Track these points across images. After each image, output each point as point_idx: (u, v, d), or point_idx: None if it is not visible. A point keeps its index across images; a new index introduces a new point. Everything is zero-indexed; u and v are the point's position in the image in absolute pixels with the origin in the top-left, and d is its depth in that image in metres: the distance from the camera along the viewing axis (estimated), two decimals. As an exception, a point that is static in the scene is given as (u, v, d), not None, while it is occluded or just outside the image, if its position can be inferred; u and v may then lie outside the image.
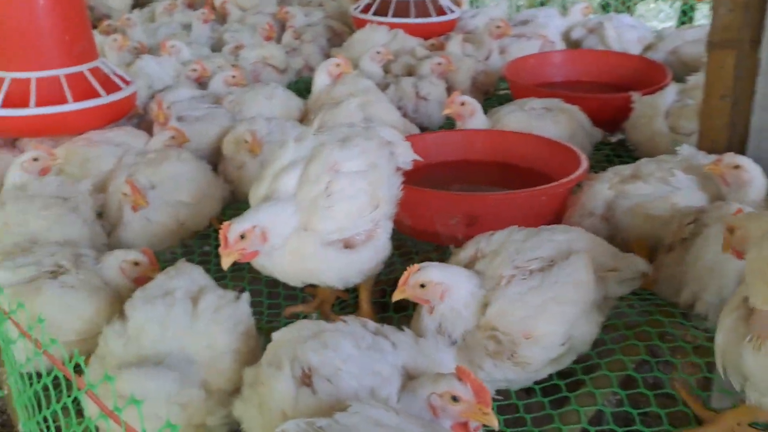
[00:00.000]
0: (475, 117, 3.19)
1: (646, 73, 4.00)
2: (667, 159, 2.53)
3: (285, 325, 1.85)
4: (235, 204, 3.04)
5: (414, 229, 2.57)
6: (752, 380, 1.52)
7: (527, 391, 1.84)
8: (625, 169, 2.53)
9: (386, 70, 4.44)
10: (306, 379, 1.53)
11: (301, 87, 4.57)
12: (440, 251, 2.61)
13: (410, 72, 4.38)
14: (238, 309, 1.89)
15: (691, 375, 1.88)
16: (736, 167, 2.26)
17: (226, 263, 1.85)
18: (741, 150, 2.60)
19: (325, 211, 1.93)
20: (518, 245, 1.92)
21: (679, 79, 3.73)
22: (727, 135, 2.61)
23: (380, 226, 2.07)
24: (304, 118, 3.74)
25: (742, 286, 1.57)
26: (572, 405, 1.75)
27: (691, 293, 2.02)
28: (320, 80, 3.73)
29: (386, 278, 2.38)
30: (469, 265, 1.96)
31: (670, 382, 1.83)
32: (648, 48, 4.76)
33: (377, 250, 2.07)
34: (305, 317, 2.28)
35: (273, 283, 2.31)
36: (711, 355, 1.84)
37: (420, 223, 2.52)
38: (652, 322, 2.06)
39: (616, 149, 3.55)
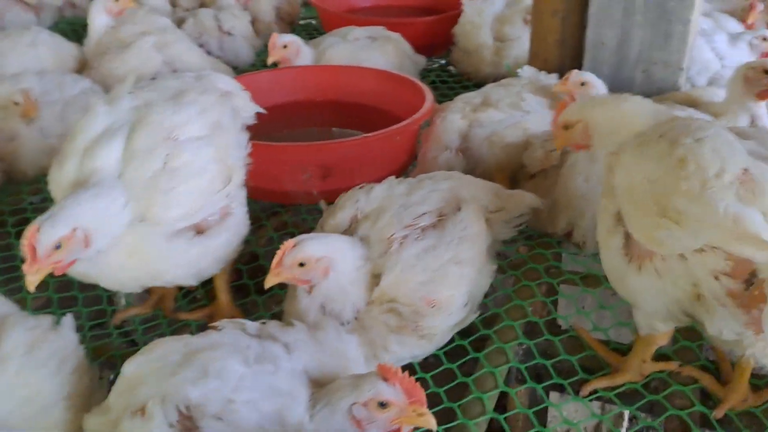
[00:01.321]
0: (300, 55, 2.86)
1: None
2: (512, 83, 2.42)
3: (117, 337, 1.46)
4: (12, 188, 2.46)
5: (259, 190, 2.23)
6: (638, 303, 1.48)
7: (433, 360, 1.66)
8: (475, 97, 2.39)
9: (173, 3, 3.88)
10: (187, 423, 1.19)
11: (66, 29, 3.84)
12: (292, 212, 2.31)
13: (203, 3, 3.87)
14: (61, 340, 1.44)
15: (590, 310, 1.83)
16: (583, 84, 2.21)
17: (33, 283, 1.38)
18: (574, 67, 2.58)
19: (168, 195, 1.52)
20: (403, 200, 1.69)
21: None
22: (559, 52, 2.58)
23: (235, 198, 1.72)
24: (82, 69, 3.12)
25: (606, 199, 1.49)
26: (486, 367, 1.60)
27: (567, 222, 1.96)
28: (98, 20, 3.09)
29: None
30: (349, 230, 1.69)
31: (571, 324, 1.76)
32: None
33: (236, 229, 1.72)
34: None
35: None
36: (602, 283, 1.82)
37: (266, 183, 2.19)
38: (536, 257, 1.97)
39: (439, 75, 3.43)
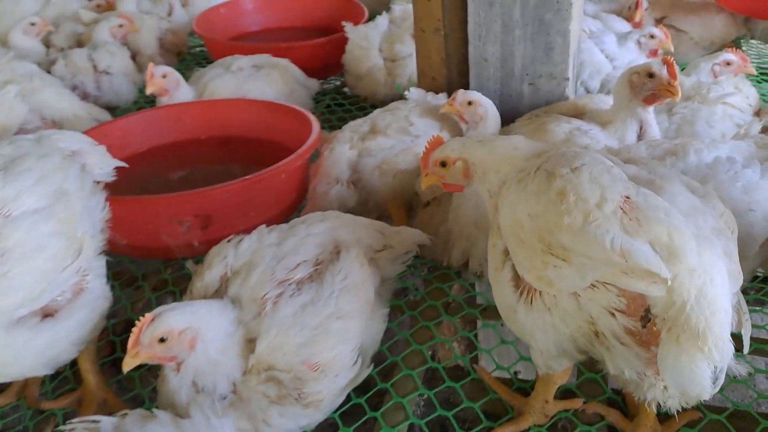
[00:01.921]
0: (180, 88, 2.69)
1: (342, 13, 3.80)
2: (399, 106, 2.32)
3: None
4: None
5: (135, 248, 2.05)
6: (531, 341, 1.38)
7: (327, 425, 1.52)
8: (362, 124, 2.27)
9: (47, 43, 3.63)
10: None
11: None
12: (173, 268, 2.13)
13: (80, 42, 3.63)
14: None
15: (492, 346, 1.73)
16: (470, 103, 2.13)
17: None
18: (462, 84, 2.51)
19: (1, 280, 1.33)
20: (274, 251, 1.55)
21: (372, 16, 3.62)
22: (446, 70, 2.49)
23: (90, 271, 1.53)
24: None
25: (493, 237, 1.41)
26: (383, 428, 1.47)
27: (461, 252, 1.86)
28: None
29: (114, 323, 1.86)
30: (219, 291, 1.54)
31: (474, 367, 1.65)
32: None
33: (93, 305, 1.53)
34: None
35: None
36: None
37: (141, 239, 2.01)
38: (434, 293, 1.85)
39: (335, 98, 3.31)
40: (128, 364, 1.34)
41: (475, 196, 1.83)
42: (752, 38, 3.32)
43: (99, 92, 3.20)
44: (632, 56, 2.80)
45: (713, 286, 1.12)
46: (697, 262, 1.12)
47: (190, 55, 3.98)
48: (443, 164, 1.53)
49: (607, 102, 2.12)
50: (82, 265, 1.47)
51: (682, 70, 3.15)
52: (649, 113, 1.95)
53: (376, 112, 2.35)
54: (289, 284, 1.48)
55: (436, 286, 1.87)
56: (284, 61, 3.05)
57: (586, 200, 1.18)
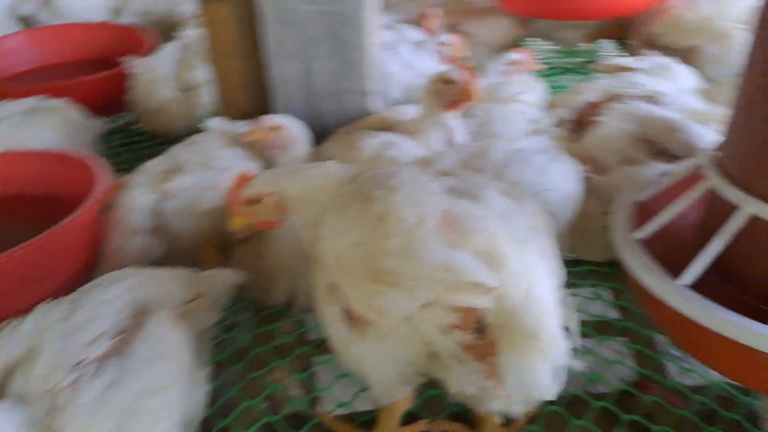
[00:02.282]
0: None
1: (125, 43, 3.52)
2: (199, 139, 2.13)
3: None
4: None
5: None
6: (369, 373, 1.31)
7: None
8: (159, 164, 2.05)
9: None
10: None
11: None
12: None
13: None
14: None
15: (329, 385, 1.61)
16: (276, 128, 2.02)
17: None
18: (265, 108, 2.39)
19: None
20: (63, 327, 1.31)
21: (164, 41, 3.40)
22: (247, 94, 2.36)
23: None
24: None
25: (316, 273, 1.31)
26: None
27: (286, 289, 1.73)
28: None
29: None
30: (2, 392, 1.27)
31: (312, 413, 1.52)
32: (116, 12, 4.30)
33: None
34: None
35: None
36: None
37: None
38: (262, 337, 1.70)
39: (128, 134, 3.03)
40: None
41: (294, 227, 1.72)
42: (533, 37, 3.54)
43: None
44: (430, 64, 2.84)
45: (537, 286, 1.13)
46: (519, 265, 1.12)
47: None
48: (253, 201, 1.40)
49: (410, 113, 2.11)
50: None
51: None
52: (453, 119, 1.96)
53: (174, 149, 2.14)
54: (87, 364, 1.26)
55: (263, 330, 1.72)
56: (61, 103, 2.73)
57: (405, 219, 1.12)
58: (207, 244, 1.97)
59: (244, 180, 1.45)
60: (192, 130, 2.85)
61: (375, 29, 2.12)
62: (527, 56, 2.48)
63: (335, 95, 2.20)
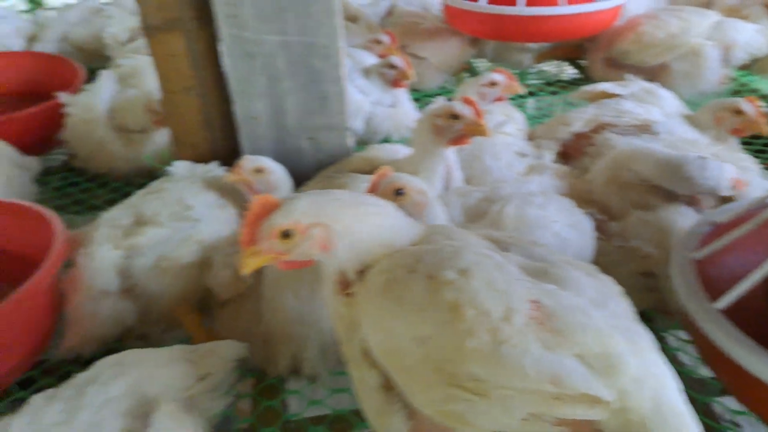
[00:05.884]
0: None
1: (53, 74, 3.24)
2: (164, 186, 1.93)
3: None
4: None
5: None
6: None
7: None
8: (122, 217, 1.85)
9: None
10: None
11: None
12: None
13: None
14: None
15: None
16: (259, 171, 1.86)
17: None
18: (230, 147, 2.23)
19: None
20: (64, 434, 1.13)
21: (90, 69, 3.15)
22: (207, 134, 2.18)
23: None
24: None
25: (352, 340, 1.11)
26: None
27: (290, 356, 1.56)
28: None
29: None
30: None
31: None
32: (33, 39, 3.98)
33: None
34: None
35: None
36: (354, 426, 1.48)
37: None
38: (265, 415, 1.51)
39: (66, 176, 2.76)
40: None
41: (292, 283, 1.57)
42: (481, 57, 3.50)
43: None
44: (378, 90, 2.74)
45: (666, 391, 0.96)
46: (639, 366, 0.94)
47: None
48: (286, 235, 1.10)
49: (397, 151, 1.99)
50: None
51: (431, 96, 3.22)
52: (452, 154, 1.84)
53: (136, 197, 1.94)
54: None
55: (265, 406, 1.54)
56: (-4, 141, 2.46)
57: (490, 313, 0.94)
58: (183, 306, 1.79)
59: (268, 205, 1.13)
60: (137, 170, 2.64)
61: (344, 60, 2.00)
62: (506, 76, 2.32)
63: (310, 132, 2.06)
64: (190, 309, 1.78)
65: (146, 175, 2.64)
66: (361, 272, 1.10)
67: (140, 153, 2.62)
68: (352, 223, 1.10)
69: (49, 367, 1.76)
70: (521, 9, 2.75)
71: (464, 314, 0.94)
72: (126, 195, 2.52)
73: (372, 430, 1.12)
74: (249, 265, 1.11)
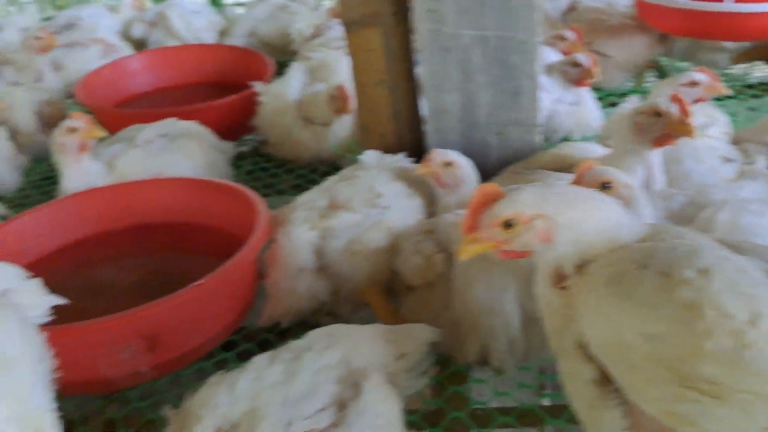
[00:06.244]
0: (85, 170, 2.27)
1: (243, 66, 3.49)
2: (357, 174, 2.02)
3: None
4: None
5: (70, 384, 1.61)
6: None
7: None
8: (318, 199, 1.96)
9: None
10: None
11: None
12: (119, 403, 1.73)
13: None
14: None
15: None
16: (449, 164, 1.90)
17: None
18: (415, 139, 2.29)
19: None
20: (283, 392, 1.22)
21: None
22: (395, 126, 2.25)
23: None
24: None
25: (564, 333, 1.12)
26: None
27: (478, 345, 1.58)
28: None
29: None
30: (214, 454, 1.19)
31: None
32: (223, 34, 4.31)
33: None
34: None
35: None
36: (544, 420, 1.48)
37: (77, 373, 1.59)
38: (453, 399, 1.56)
39: (257, 161, 2.97)
40: None
41: (483, 275, 1.59)
42: (669, 56, 3.33)
43: (-22, 182, 2.70)
44: (560, 87, 2.69)
45: None
46: None
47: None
48: (508, 224, 1.12)
49: (591, 150, 1.95)
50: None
51: (614, 96, 3.12)
52: (657, 156, 1.76)
53: (331, 181, 2.05)
54: (310, 438, 1.16)
55: (453, 391, 1.58)
56: (198, 127, 2.69)
57: (732, 316, 0.91)
58: (372, 288, 1.87)
59: (492, 195, 1.16)
60: (320, 159, 2.79)
61: (540, 56, 1.99)
62: (710, 76, 2.17)
63: (499, 127, 2.07)
64: (377, 291, 1.86)
65: (329, 164, 2.79)
66: (580, 266, 1.10)
67: (324, 143, 2.76)
68: (576, 216, 1.10)
69: (248, 334, 1.91)
70: (729, 5, 2.59)
71: (703, 315, 0.92)
72: (310, 181, 2.72)
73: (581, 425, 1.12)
74: (468, 252, 1.15)
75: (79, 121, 2.30)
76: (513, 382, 1.57)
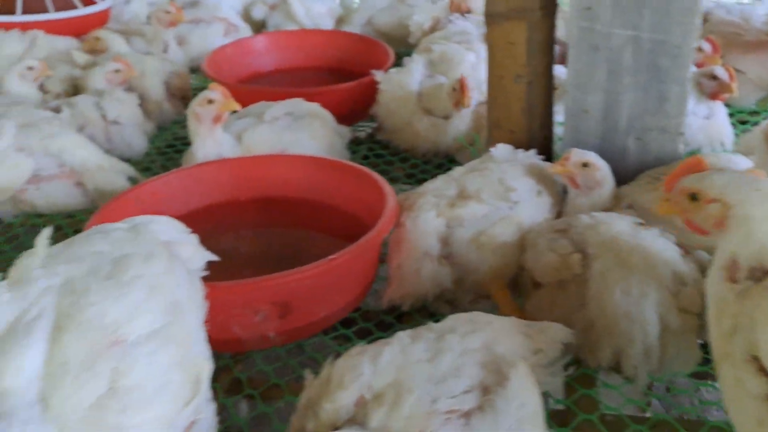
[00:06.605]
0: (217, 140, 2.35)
1: (362, 54, 3.53)
2: (487, 166, 2.01)
3: None
4: None
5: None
6: None
7: None
8: (447, 188, 1.96)
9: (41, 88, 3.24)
10: None
11: None
12: (243, 364, 1.78)
13: (76, 87, 3.26)
14: None
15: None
16: (586, 165, 1.87)
17: None
18: (544, 137, 2.26)
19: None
20: (428, 369, 1.22)
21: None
22: (527, 122, 2.23)
23: (202, 408, 1.19)
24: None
25: (733, 337, 1.06)
26: None
27: (612, 350, 1.54)
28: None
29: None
30: (355, 419, 1.21)
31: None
32: (340, 21, 4.37)
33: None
34: None
35: None
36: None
37: (210, 330, 1.65)
38: (582, 402, 1.53)
39: (372, 147, 3.00)
40: None
41: (621, 280, 1.55)
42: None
43: (109, 144, 2.84)
44: (693, 99, 2.58)
45: None
46: None
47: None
48: (693, 197, 1.19)
49: (735, 161, 1.87)
50: (198, 403, 1.13)
51: (744, 113, 2.99)
52: None
53: (459, 171, 2.05)
54: (457, 416, 1.16)
55: (582, 393, 1.55)
56: (320, 109, 2.74)
57: None
58: (497, 281, 1.85)
59: (694, 165, 1.24)
60: (436, 150, 2.79)
61: (692, 61, 1.92)
62: None
63: (639, 132, 2.01)
64: (502, 285, 1.85)
65: (445, 156, 2.79)
66: (762, 274, 1.06)
67: (442, 135, 2.75)
68: (758, 215, 1.07)
69: (365, 313, 1.93)
70: None
71: None
72: (424, 172, 2.73)
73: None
74: (662, 208, 1.30)
75: (217, 93, 2.38)
76: (644, 391, 1.53)
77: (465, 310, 1.88)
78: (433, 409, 1.16)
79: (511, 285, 1.87)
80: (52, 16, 3.96)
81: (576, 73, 2.00)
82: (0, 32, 3.63)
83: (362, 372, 1.24)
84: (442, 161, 2.80)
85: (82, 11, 4.10)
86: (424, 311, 1.90)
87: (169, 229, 1.32)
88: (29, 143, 2.43)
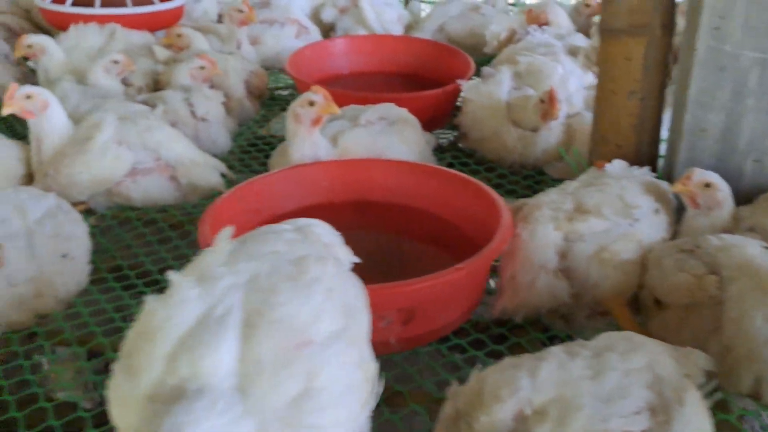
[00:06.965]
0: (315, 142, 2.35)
1: (441, 61, 3.53)
2: (605, 181, 1.99)
3: None
4: None
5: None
6: None
7: None
8: (563, 201, 1.94)
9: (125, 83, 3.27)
10: None
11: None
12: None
13: (158, 83, 3.29)
14: None
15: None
16: (708, 185, 1.85)
17: None
18: (652, 154, 2.23)
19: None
20: (593, 388, 1.20)
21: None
22: (636, 138, 2.21)
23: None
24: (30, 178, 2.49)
25: None
26: None
27: (753, 377, 1.52)
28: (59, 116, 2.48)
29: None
30: (514, 435, 1.20)
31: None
32: (410, 27, 4.38)
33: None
34: None
35: None
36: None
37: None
38: (722, 427, 1.50)
39: (456, 155, 2.99)
40: None
41: (761, 305, 1.52)
42: None
43: (197, 141, 2.84)
44: None
45: None
46: None
47: (271, 99, 3.64)
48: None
49: None
50: (372, 401, 1.13)
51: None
52: None
53: (574, 185, 2.03)
54: (632, 437, 1.14)
55: (719, 418, 1.52)
56: (409, 114, 2.73)
57: None
58: (617, 298, 1.83)
59: None
60: (525, 163, 2.77)
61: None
62: None
63: (758, 155, 1.98)
64: (623, 302, 1.82)
65: (532, 167, 2.78)
66: None
67: (530, 147, 2.73)
68: None
69: (476, 324, 1.92)
70: None
71: None
72: (513, 183, 2.71)
73: None
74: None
75: (319, 96, 2.38)
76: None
77: (580, 326, 1.88)
78: (604, 429, 1.14)
79: (629, 303, 1.85)
80: (130, 10, 3.99)
81: (699, 91, 1.98)
82: (79, 25, 3.67)
83: (520, 386, 1.22)
84: (531, 173, 2.79)
85: (158, 7, 4.13)
86: (537, 325, 1.89)
87: (327, 232, 1.33)
88: (128, 136, 2.46)
